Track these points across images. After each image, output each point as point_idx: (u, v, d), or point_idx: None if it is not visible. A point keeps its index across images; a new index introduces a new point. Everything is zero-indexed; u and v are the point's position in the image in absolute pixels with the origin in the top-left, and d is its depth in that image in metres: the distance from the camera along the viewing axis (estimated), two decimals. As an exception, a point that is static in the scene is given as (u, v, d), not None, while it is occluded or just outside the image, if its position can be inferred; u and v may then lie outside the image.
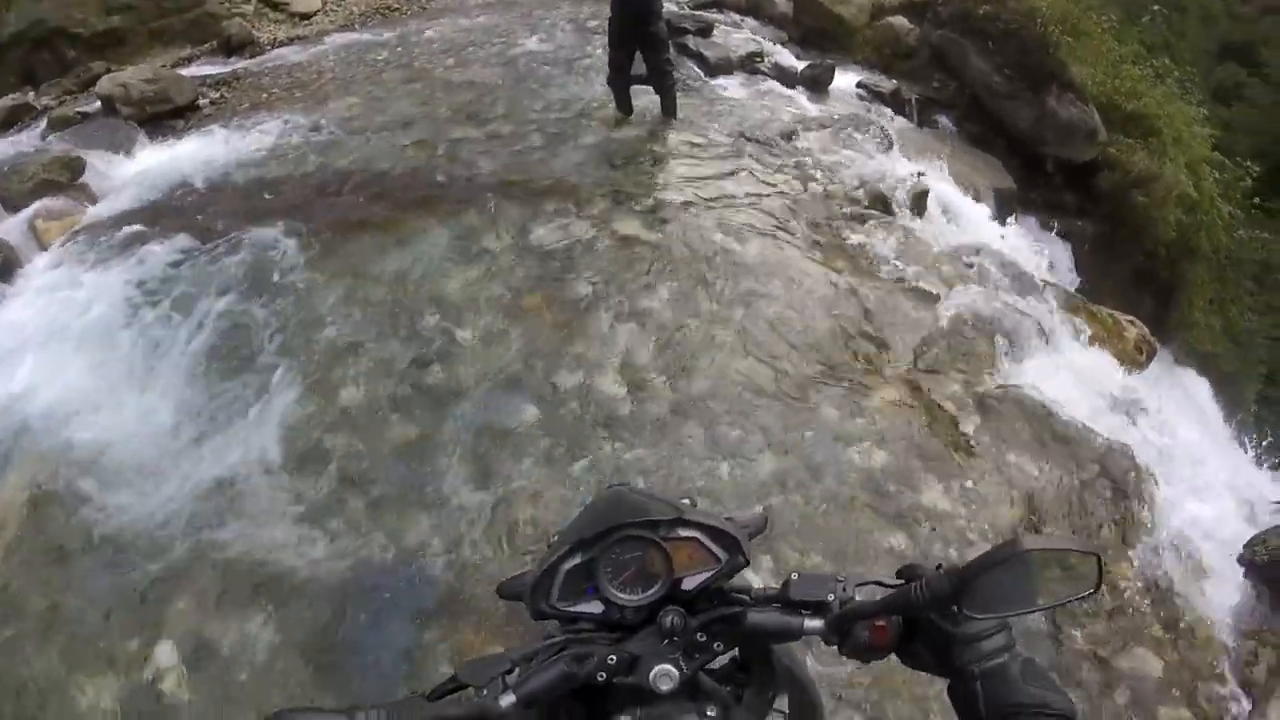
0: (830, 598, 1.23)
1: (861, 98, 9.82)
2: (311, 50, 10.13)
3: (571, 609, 1.29)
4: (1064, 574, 1.13)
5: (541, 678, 1.17)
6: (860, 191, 6.59)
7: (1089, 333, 5.95)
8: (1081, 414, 4.79)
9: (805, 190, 6.55)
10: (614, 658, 1.21)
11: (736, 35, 10.08)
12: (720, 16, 10.55)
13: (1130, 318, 6.77)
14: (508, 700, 1.13)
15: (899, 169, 7.56)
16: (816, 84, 9.73)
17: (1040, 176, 10.50)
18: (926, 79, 10.92)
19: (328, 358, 4.94)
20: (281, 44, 10.58)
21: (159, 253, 6.20)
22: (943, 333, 5.27)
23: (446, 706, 1.11)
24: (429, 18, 11.02)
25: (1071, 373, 5.42)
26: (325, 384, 4.77)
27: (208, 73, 9.80)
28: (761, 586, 1.34)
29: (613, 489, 1.45)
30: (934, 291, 5.66)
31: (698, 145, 7.03)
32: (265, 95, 9.08)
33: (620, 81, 7.29)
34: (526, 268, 5.52)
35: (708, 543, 1.27)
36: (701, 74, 8.90)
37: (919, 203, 7.06)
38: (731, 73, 9.00)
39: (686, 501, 1.40)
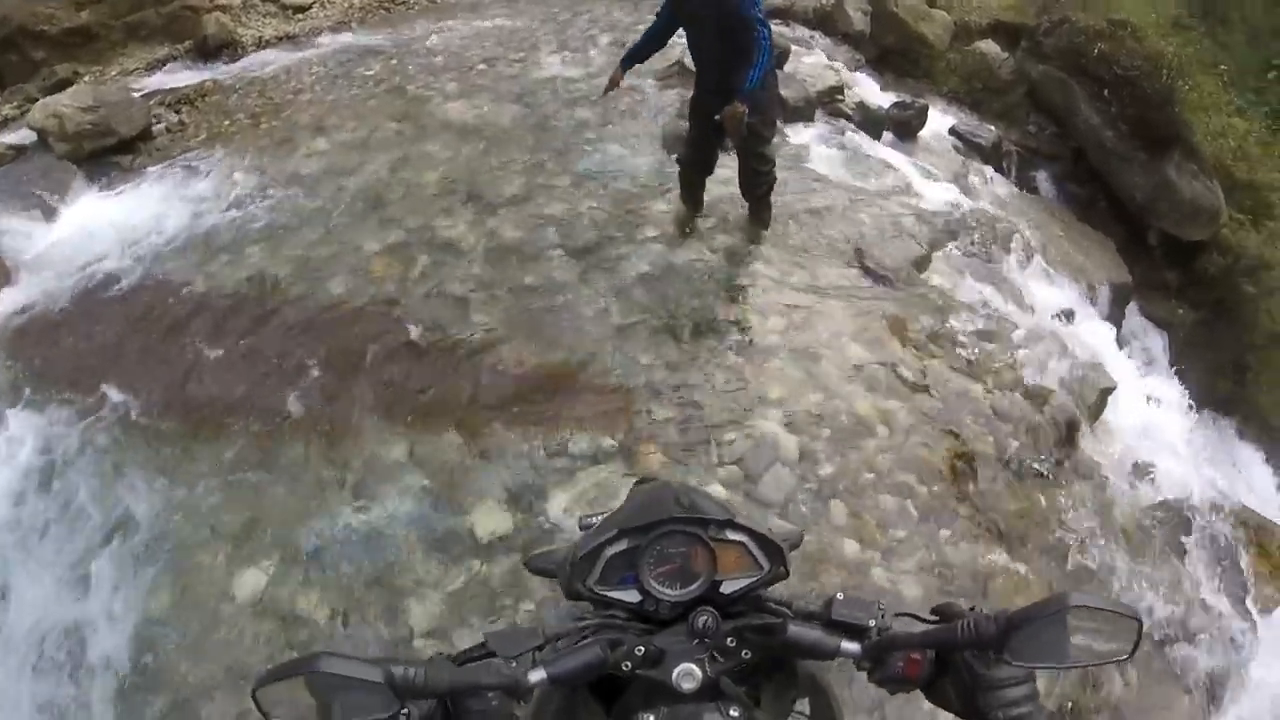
0: (871, 623, 1.02)
1: (958, 149, 6.69)
2: (295, 56, 6.77)
3: (609, 594, 1.05)
4: (1102, 633, 0.91)
5: (575, 658, 0.96)
6: (1042, 413, 3.73)
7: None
8: None
9: (965, 399, 3.62)
10: (642, 649, 0.99)
11: (809, 59, 6.78)
12: (787, 30, 7.55)
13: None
14: (538, 676, 0.93)
15: (1047, 297, 4.90)
16: (907, 130, 6.74)
17: (1141, 249, 7.86)
18: (1021, 121, 7.94)
19: None
20: (266, 44, 7.20)
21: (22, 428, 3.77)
22: None
23: (479, 672, 0.91)
24: (437, 15, 7.59)
25: None
26: None
27: (175, 84, 6.59)
28: (803, 602, 1.07)
29: (658, 481, 1.33)
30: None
31: (800, 288, 3.95)
32: (227, 122, 5.79)
33: (697, 176, 4.28)
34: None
35: (753, 549, 1.05)
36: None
37: (1098, 406, 4.20)
38: (812, 118, 5.80)
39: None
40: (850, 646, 1.01)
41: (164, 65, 7.26)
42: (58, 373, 3.86)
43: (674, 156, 4.90)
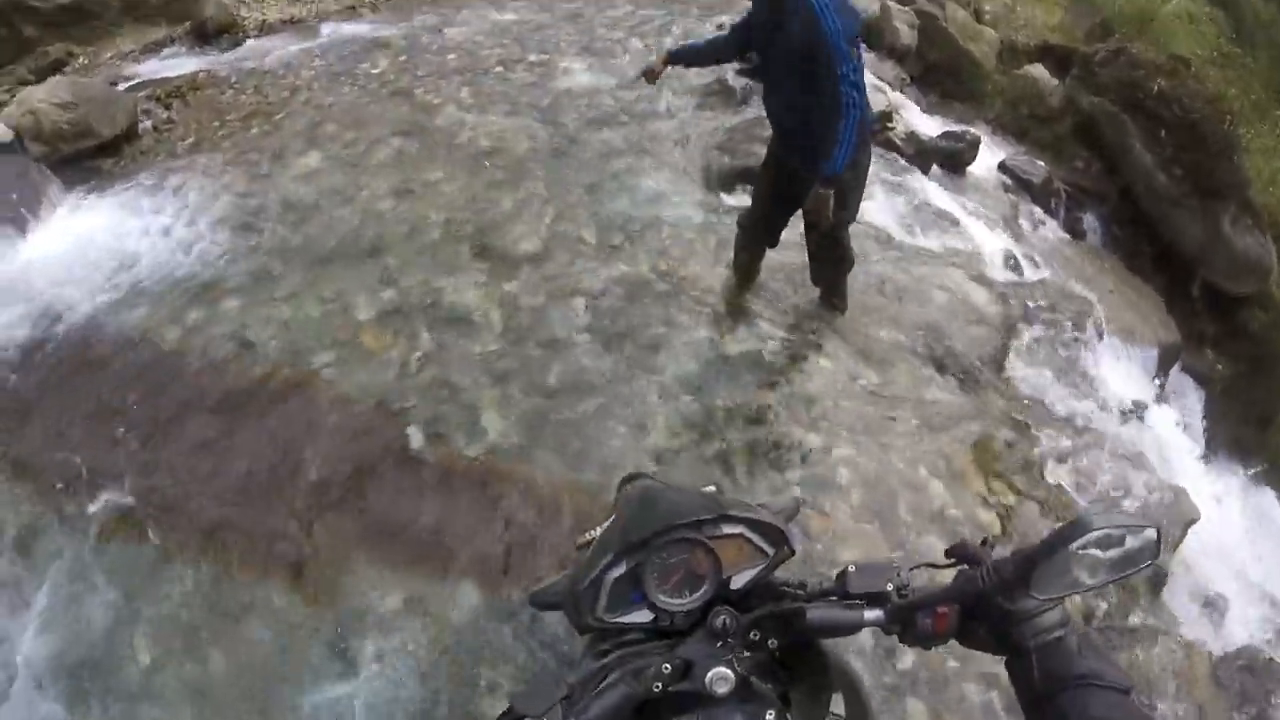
0: (889, 586, 0.93)
1: (1007, 186, 5.84)
2: (298, 47, 5.72)
3: (620, 619, 0.96)
4: (1122, 547, 0.85)
5: (604, 703, 0.87)
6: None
7: None
8: None
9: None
10: (668, 666, 0.90)
11: (855, 79, 6.03)
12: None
13: None
14: None
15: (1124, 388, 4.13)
16: (957, 164, 5.76)
17: (1183, 297, 7.10)
18: (1069, 155, 7.00)
19: None
20: (269, 29, 6.14)
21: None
22: None
23: None
24: (451, 8, 6.41)
25: None
26: None
27: (168, 73, 5.59)
28: (817, 581, 0.98)
29: (640, 484, 1.19)
30: None
31: (871, 396, 3.12)
32: (217, 123, 4.85)
33: (756, 246, 3.39)
34: None
35: (753, 537, 0.98)
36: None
37: (1179, 540, 3.36)
38: None
39: (711, 488, 1.13)
40: (873, 615, 0.92)
41: (161, 49, 6.26)
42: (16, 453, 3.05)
43: (718, 199, 4.07)
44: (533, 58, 5.36)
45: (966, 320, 3.62)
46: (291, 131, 4.69)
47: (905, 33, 6.66)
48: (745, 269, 3.43)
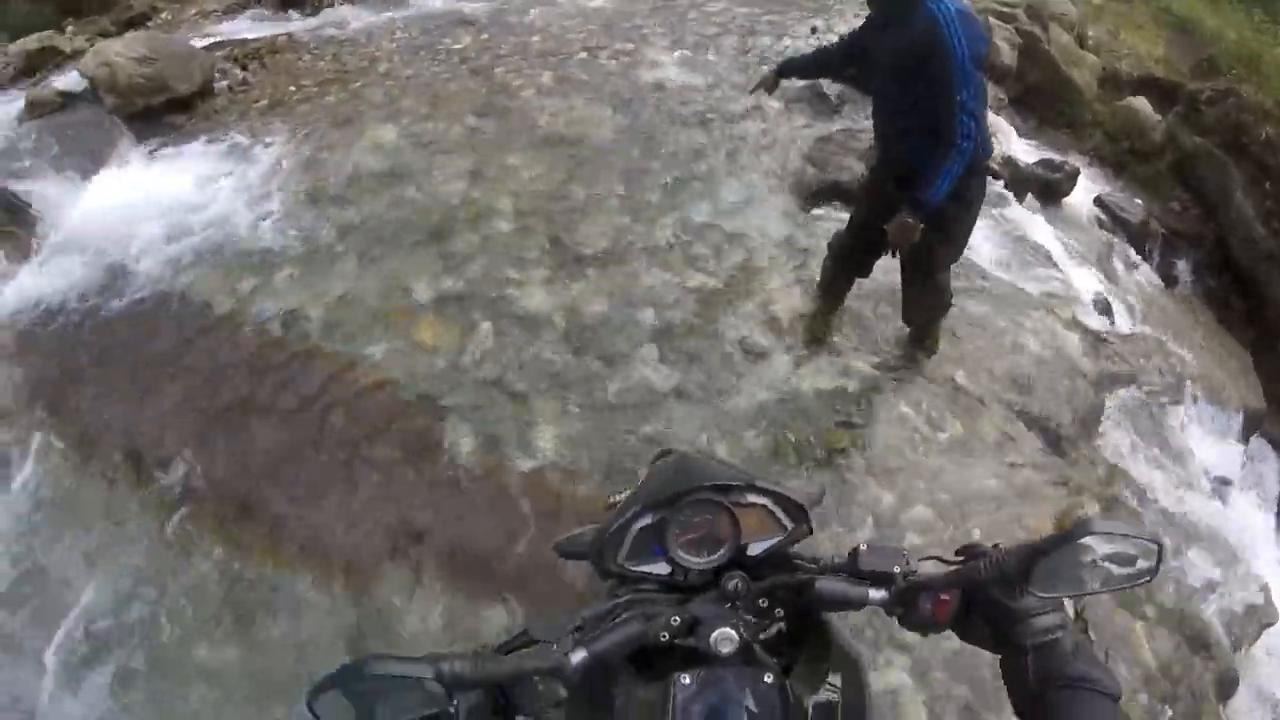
0: (896, 570, 0.93)
1: (1102, 223, 5.42)
2: (380, 17, 5.55)
3: (639, 568, 0.99)
4: (1124, 558, 0.84)
5: (613, 635, 0.89)
6: (1205, 666, 2.77)
7: None
8: None
9: (1123, 644, 2.57)
10: (677, 618, 0.92)
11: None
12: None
13: None
14: (579, 656, 0.85)
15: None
16: (1053, 195, 5.32)
17: (1270, 355, 6.59)
18: (1167, 194, 6.48)
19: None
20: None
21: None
22: None
23: (523, 659, 0.83)
24: None
25: None
26: None
27: (249, 34, 5.48)
28: (830, 556, 0.98)
29: (677, 453, 1.29)
30: None
31: (953, 450, 2.82)
32: (293, 88, 4.71)
33: (844, 274, 3.05)
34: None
35: (775, 510, 0.98)
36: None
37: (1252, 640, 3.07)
38: None
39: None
40: (878, 594, 0.93)
41: (244, 10, 6.15)
42: (66, 409, 2.93)
43: (805, 212, 3.77)
44: (619, 46, 5.08)
45: (1059, 373, 3.27)
46: (368, 102, 4.51)
47: (1005, 51, 6.21)
48: (831, 296, 3.11)
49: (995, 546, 0.92)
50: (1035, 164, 5.31)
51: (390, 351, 2.88)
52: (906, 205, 2.46)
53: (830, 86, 4.61)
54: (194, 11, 6.35)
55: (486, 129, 4.25)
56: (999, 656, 0.90)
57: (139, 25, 6.01)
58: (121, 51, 4.65)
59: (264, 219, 3.65)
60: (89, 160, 4.24)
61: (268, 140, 4.21)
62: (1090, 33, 7.59)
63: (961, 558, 0.96)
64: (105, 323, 3.14)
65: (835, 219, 3.43)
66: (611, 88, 4.64)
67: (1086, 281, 4.37)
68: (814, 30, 5.49)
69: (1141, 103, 6.61)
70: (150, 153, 4.36)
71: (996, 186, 4.65)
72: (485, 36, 5.22)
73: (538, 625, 0.92)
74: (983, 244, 3.98)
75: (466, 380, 2.80)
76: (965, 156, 2.36)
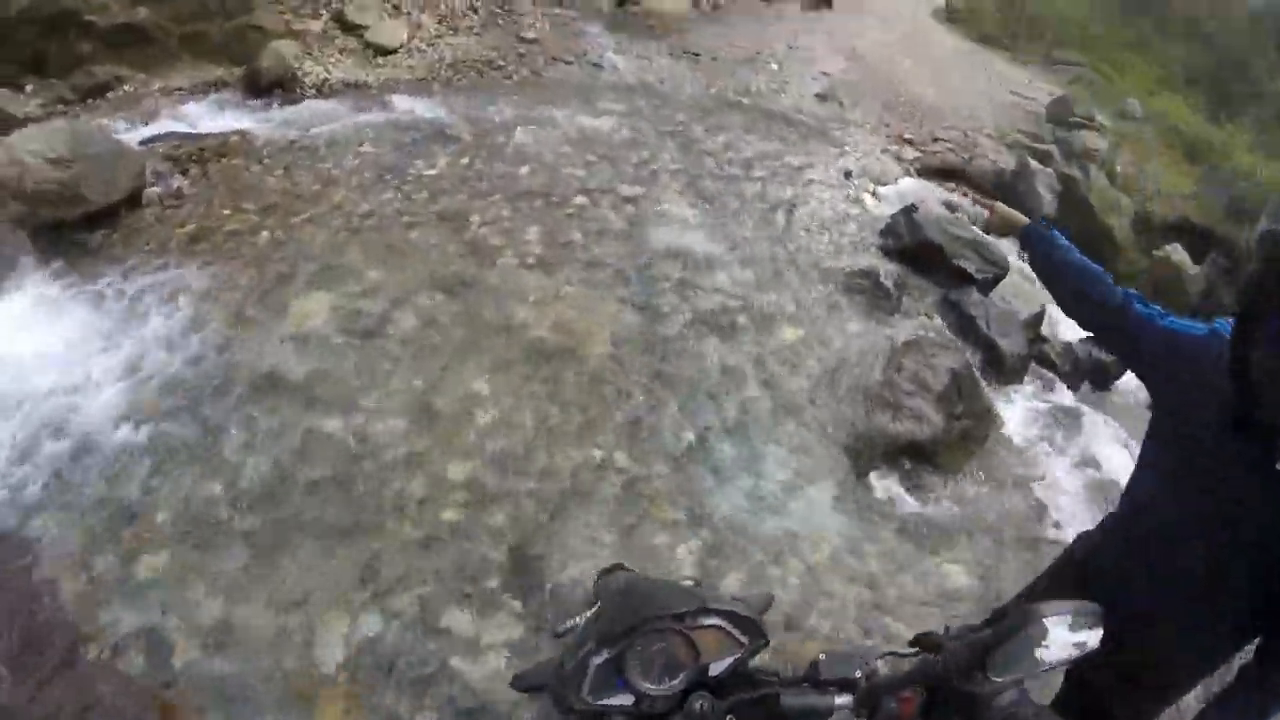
0: (857, 674, 0.93)
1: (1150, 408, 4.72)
2: (351, 121, 4.53)
3: (602, 702, 0.92)
4: (1071, 632, 0.87)
5: None
6: None
7: None
8: None
9: None
10: None
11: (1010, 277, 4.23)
12: (961, 201, 5.21)
13: None
14: None
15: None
16: (1104, 377, 4.51)
17: None
18: None
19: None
20: (328, 91, 5.01)
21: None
22: None
23: None
24: (533, 98, 5.11)
25: None
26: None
27: (205, 127, 4.47)
28: (790, 668, 0.96)
29: (622, 575, 1.22)
30: None
31: None
32: (229, 210, 3.68)
33: None
34: None
35: (730, 628, 0.93)
36: (990, 381, 3.46)
37: None
38: (1022, 379, 3.65)
39: (689, 582, 1.14)
40: (843, 700, 0.92)
41: (211, 92, 5.04)
42: None
43: (866, 488, 2.63)
44: (625, 190, 4.03)
45: None
46: (308, 250, 3.42)
47: (1046, 199, 5.21)
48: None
49: (946, 630, 0.94)
50: (1083, 342, 4.27)
51: None
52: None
53: (886, 272, 3.52)
54: (158, 87, 5.23)
55: (447, 318, 3.16)
56: None
57: (102, 94, 4.93)
58: (37, 150, 3.54)
59: (137, 428, 2.50)
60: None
61: (173, 294, 3.11)
62: (1119, 168, 6.66)
63: (916, 649, 0.95)
64: None
65: (906, 495, 2.29)
66: (613, 254, 3.59)
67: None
68: (848, 174, 4.43)
69: (1179, 253, 5.80)
70: (53, 278, 3.36)
71: (1061, 388, 3.59)
72: (465, 161, 4.17)
73: None
74: (1064, 480, 2.88)
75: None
76: None
